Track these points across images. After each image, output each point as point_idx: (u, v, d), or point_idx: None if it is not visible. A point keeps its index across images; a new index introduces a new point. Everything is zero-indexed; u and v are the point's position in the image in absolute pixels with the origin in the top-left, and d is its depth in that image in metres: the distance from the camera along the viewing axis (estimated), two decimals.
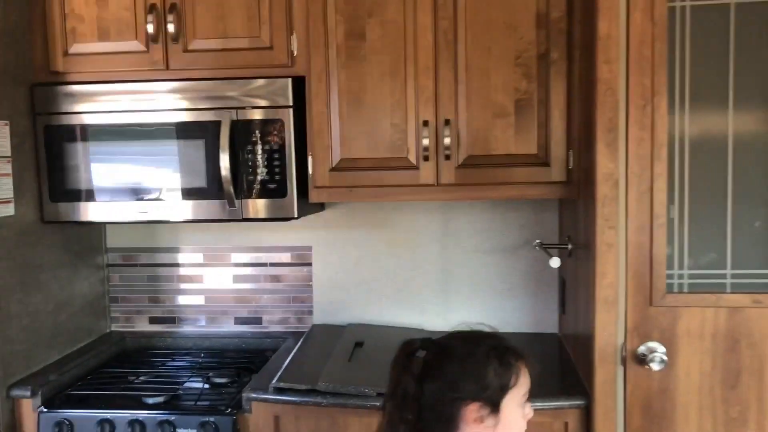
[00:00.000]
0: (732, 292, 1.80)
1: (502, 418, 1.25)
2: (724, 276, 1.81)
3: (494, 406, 1.25)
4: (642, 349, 1.82)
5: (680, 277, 1.82)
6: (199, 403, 2.03)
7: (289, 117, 2.10)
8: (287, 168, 2.11)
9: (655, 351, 1.81)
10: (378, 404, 1.73)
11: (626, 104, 1.79)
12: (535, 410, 1.83)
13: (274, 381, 1.99)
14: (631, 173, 1.80)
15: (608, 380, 1.84)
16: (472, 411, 1.24)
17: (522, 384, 1.29)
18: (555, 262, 2.14)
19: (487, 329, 1.37)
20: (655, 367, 1.80)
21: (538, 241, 2.32)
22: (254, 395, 1.99)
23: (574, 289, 2.16)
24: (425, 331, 2.51)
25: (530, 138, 2.07)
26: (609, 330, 1.83)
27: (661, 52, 1.77)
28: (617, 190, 1.79)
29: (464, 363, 1.26)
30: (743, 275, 1.80)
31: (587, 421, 1.88)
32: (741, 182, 1.79)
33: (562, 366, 2.18)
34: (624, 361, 1.84)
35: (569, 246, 2.16)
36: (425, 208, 2.54)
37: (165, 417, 1.97)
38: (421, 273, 2.57)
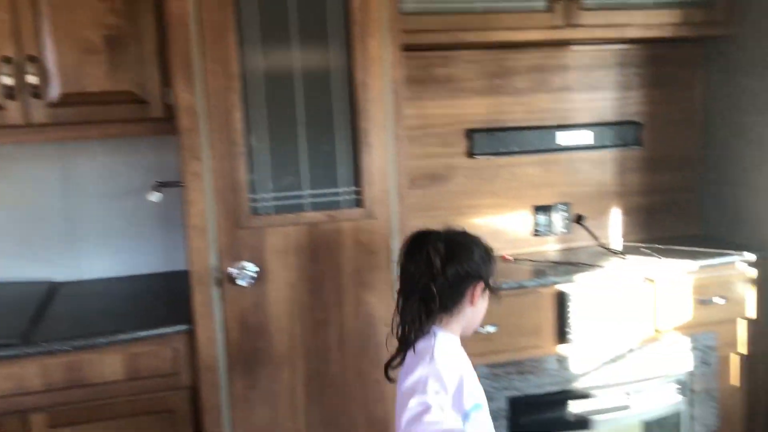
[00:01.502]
0: (310, 210, 2.02)
1: (483, 299, 1.51)
2: (302, 196, 2.02)
3: (486, 288, 1.49)
4: (234, 269, 1.97)
5: (265, 200, 1.99)
6: None
7: None
8: None
9: (245, 269, 1.97)
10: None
11: (200, 39, 1.87)
12: (145, 340, 1.91)
13: None
14: (210, 105, 1.90)
15: (206, 302, 1.96)
16: (477, 290, 1.47)
17: None
18: (154, 197, 2.19)
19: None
20: (246, 284, 1.96)
21: (155, 180, 2.35)
22: None
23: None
24: (55, 283, 2.41)
25: (125, 75, 2.08)
26: (202, 254, 1.95)
27: None
28: (198, 122, 1.89)
29: (471, 250, 1.48)
30: (318, 195, 2.03)
31: (193, 343, 1.99)
32: (310, 112, 1.99)
33: (177, 297, 2.25)
34: (219, 283, 1.97)
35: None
36: (42, 154, 2.42)
37: None
38: (44, 224, 2.45)
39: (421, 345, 1.45)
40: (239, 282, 1.95)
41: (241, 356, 2.00)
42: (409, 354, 1.46)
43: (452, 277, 1.45)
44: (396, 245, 2.08)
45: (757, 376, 2.61)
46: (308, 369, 2.06)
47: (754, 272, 2.52)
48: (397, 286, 1.54)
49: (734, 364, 2.57)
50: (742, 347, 2.57)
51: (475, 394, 1.50)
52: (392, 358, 1.50)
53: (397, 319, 1.49)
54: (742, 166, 2.65)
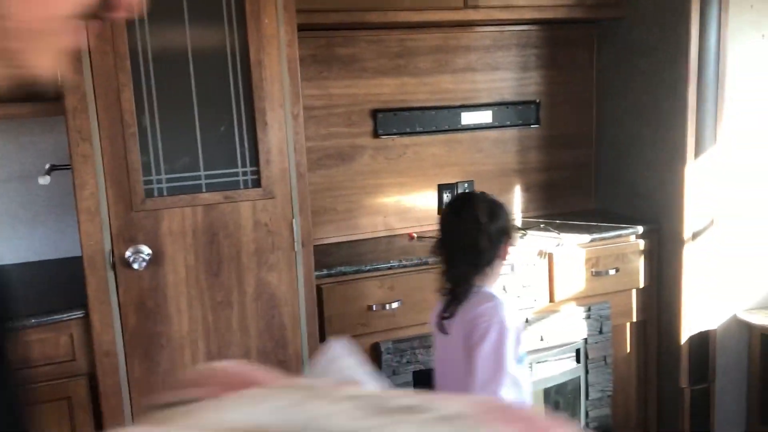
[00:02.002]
0: (206, 192, 2.00)
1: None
2: (198, 177, 2.00)
3: (512, 247, 1.65)
4: (129, 252, 1.93)
5: (159, 182, 1.96)
6: None
7: None
8: None
9: (140, 252, 1.94)
10: None
11: None
12: (40, 327, 1.86)
13: None
14: (98, 85, 1.85)
15: (101, 287, 1.92)
16: (507, 246, 1.62)
17: None
18: (45, 180, 2.13)
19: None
20: (141, 267, 1.93)
21: (49, 164, 2.27)
22: None
23: None
24: None
25: None
26: (95, 238, 1.91)
27: None
28: (86, 102, 1.84)
29: (506, 210, 1.67)
30: (214, 175, 2.01)
31: (89, 329, 1.95)
32: (205, 91, 1.97)
33: (73, 283, 2.19)
34: (114, 267, 1.94)
35: None
36: None
37: None
38: None
39: (475, 299, 1.60)
40: (135, 265, 1.92)
41: (139, 340, 1.98)
42: (465, 307, 1.59)
43: (494, 233, 1.60)
44: (297, 225, 2.09)
45: (648, 343, 2.76)
46: (210, 351, 2.05)
47: (644, 244, 2.66)
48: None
49: (627, 332, 2.72)
50: (634, 316, 2.71)
51: (523, 343, 1.70)
52: (445, 312, 1.62)
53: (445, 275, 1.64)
54: (635, 143, 2.78)
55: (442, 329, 1.63)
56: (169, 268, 1.99)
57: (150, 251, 1.95)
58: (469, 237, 1.59)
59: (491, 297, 1.62)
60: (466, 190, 1.67)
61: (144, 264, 1.93)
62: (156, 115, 1.93)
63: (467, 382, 1.57)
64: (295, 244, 2.10)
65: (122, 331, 1.96)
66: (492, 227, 1.60)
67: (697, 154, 2.52)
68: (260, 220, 2.05)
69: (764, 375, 2.79)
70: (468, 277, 1.60)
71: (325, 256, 2.43)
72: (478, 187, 2.83)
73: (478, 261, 1.60)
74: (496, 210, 1.63)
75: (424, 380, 2.43)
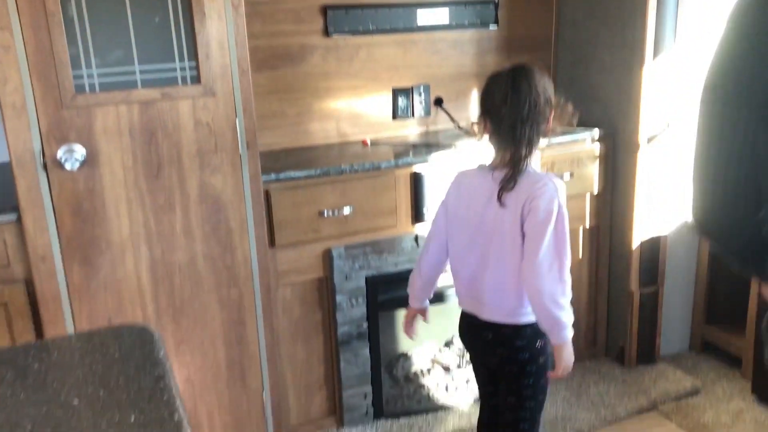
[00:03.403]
0: (142, 88, 1.89)
1: None
2: (133, 72, 1.88)
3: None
4: (61, 152, 1.83)
5: (90, 76, 1.84)
6: None
7: None
8: None
9: (73, 152, 1.83)
10: None
11: None
12: None
13: None
14: None
15: (32, 188, 1.83)
16: (551, 118, 1.65)
17: None
18: None
19: None
20: (75, 168, 1.83)
21: None
22: None
23: None
24: None
25: None
26: (23, 137, 1.79)
27: None
28: None
29: (551, 84, 1.67)
30: (150, 70, 1.89)
31: (23, 233, 1.86)
32: None
33: (7, 188, 2.09)
34: (45, 167, 1.83)
35: None
36: None
37: None
38: None
39: (533, 176, 1.62)
40: (67, 166, 1.82)
41: (77, 245, 1.90)
42: (525, 178, 1.61)
43: (544, 104, 1.62)
44: (241, 126, 2.00)
45: (600, 248, 2.78)
46: (153, 256, 1.99)
47: (600, 149, 2.63)
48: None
49: (579, 237, 2.72)
50: (588, 221, 2.71)
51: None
52: (506, 183, 1.62)
53: (502, 145, 1.65)
54: (593, 46, 2.71)
55: (501, 202, 1.63)
56: (106, 170, 1.89)
57: (84, 151, 1.84)
58: (526, 108, 1.59)
59: (549, 176, 1.64)
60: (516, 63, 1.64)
61: (77, 164, 1.83)
62: (83, 3, 1.78)
63: (515, 255, 1.63)
64: (240, 145, 2.02)
65: (58, 235, 1.88)
66: (542, 98, 1.62)
67: (656, 54, 2.46)
68: (201, 120, 1.95)
69: (711, 278, 2.85)
70: (531, 148, 1.61)
71: (274, 162, 2.35)
72: (435, 93, 2.75)
73: (536, 132, 1.62)
74: (544, 82, 1.64)
75: (376, 285, 2.41)
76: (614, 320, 2.86)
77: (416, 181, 2.36)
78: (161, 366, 1.06)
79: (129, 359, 1.09)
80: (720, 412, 2.52)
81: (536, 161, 1.74)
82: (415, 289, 1.87)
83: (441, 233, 1.80)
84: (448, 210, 1.79)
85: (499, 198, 1.62)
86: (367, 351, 2.46)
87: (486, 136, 1.69)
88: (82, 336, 1.19)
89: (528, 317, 1.69)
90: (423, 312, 1.90)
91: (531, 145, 1.61)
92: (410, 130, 2.77)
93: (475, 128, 1.74)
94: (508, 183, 1.62)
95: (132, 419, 0.92)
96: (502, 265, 1.67)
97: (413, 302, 1.89)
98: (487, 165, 1.72)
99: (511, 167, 1.63)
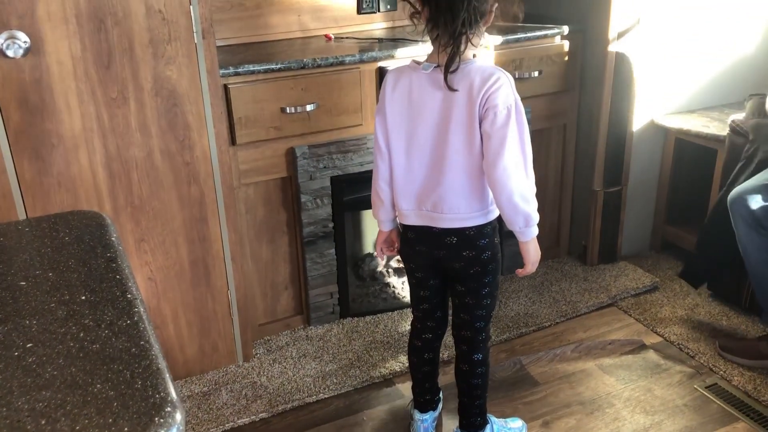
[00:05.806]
0: None
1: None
2: None
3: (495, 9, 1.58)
4: (2, 39, 1.71)
5: None
6: None
7: None
8: None
9: (16, 39, 1.72)
10: None
11: None
12: None
13: None
14: None
15: None
16: (493, 8, 1.55)
17: None
18: None
19: None
20: (17, 55, 1.72)
21: None
22: None
23: None
24: None
25: None
26: None
27: None
28: None
29: None
30: None
31: None
32: None
33: None
34: None
35: None
36: None
37: None
38: None
39: (480, 66, 1.55)
40: (9, 53, 1.71)
41: (26, 139, 1.81)
42: (473, 67, 1.54)
43: None
44: (196, 12, 1.89)
45: (566, 147, 2.77)
46: (108, 151, 1.92)
47: (569, 45, 2.57)
48: None
49: (550, 136, 2.71)
50: (557, 119, 2.69)
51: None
52: (449, 62, 1.53)
53: (443, 28, 1.53)
54: None
55: (450, 87, 1.54)
56: (53, 59, 1.78)
57: (27, 38, 1.73)
58: None
59: (497, 68, 1.56)
60: None
61: (21, 51, 1.72)
62: None
63: (474, 151, 1.57)
64: (195, 35, 1.91)
65: (5, 128, 1.79)
66: None
67: None
68: (153, 6, 1.84)
69: (674, 178, 2.87)
70: (470, 28, 1.51)
71: (232, 56, 2.25)
72: None
73: (478, 16, 1.52)
74: None
75: (341, 185, 2.38)
76: (578, 220, 2.89)
77: (382, 77, 2.29)
78: (113, 248, 1.02)
79: (80, 243, 1.05)
80: (676, 307, 2.60)
81: (487, 59, 1.65)
82: (379, 214, 1.78)
83: (385, 148, 1.69)
84: (386, 118, 1.66)
85: (446, 80, 1.53)
86: (332, 251, 2.45)
87: (423, 25, 1.58)
88: (32, 221, 1.14)
89: (488, 216, 1.67)
90: (393, 235, 1.82)
91: (472, 27, 1.51)
92: (376, 26, 2.66)
93: (414, 19, 1.60)
94: (451, 62, 1.52)
95: (83, 298, 0.89)
96: (459, 163, 1.59)
97: (382, 226, 1.81)
98: (423, 61, 1.61)
99: (453, 48, 1.52)
